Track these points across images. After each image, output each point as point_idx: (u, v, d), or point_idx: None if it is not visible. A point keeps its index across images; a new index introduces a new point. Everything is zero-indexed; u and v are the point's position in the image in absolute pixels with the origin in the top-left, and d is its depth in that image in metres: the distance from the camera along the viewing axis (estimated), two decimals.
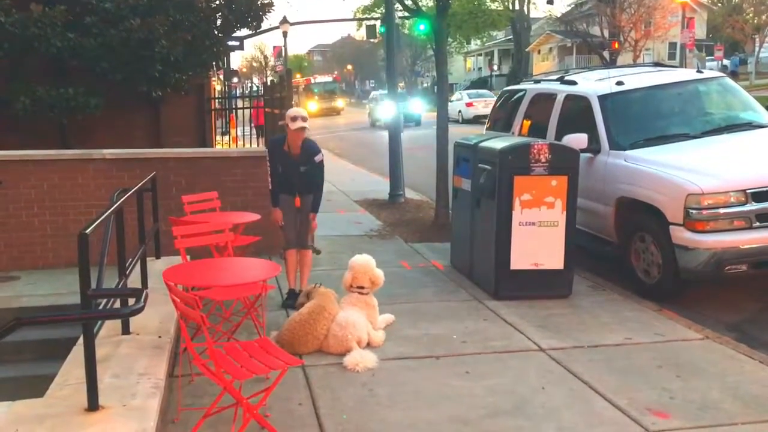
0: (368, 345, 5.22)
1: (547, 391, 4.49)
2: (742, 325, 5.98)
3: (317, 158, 6.11)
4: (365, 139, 28.60)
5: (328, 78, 62.04)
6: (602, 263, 7.46)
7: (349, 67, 61.57)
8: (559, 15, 51.78)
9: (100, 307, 4.20)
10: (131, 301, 3.70)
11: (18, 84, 9.51)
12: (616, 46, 41.81)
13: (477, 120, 29.95)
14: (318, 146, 6.25)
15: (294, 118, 5.98)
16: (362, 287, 5.52)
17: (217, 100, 15.95)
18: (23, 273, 7.42)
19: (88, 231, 3.55)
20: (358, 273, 5.54)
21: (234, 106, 18.62)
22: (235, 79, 38.82)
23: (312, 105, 49.51)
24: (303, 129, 5.96)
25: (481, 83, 59.02)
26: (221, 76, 26.30)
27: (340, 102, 55.75)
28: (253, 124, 18.21)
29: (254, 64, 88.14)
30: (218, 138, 17.57)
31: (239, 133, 18.81)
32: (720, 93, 8.01)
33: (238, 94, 20.88)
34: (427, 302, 6.45)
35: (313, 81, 59.74)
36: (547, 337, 5.45)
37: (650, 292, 6.49)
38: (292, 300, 6.20)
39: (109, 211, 4.24)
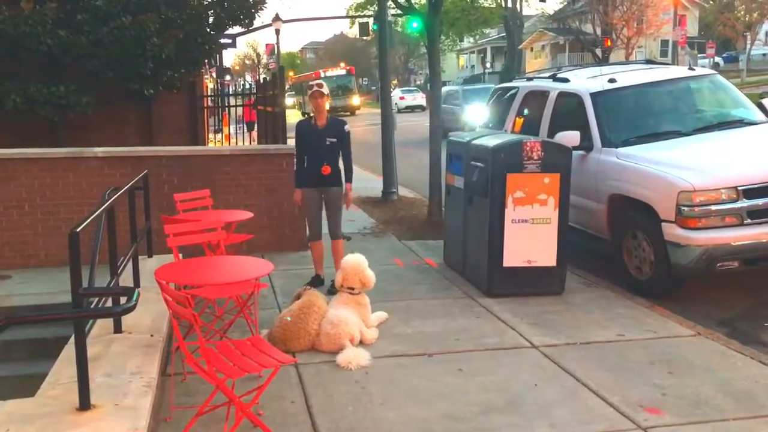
0: (361, 343, 5.21)
1: (540, 388, 4.50)
2: (733, 322, 6.01)
3: (347, 128, 6.61)
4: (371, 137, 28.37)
5: (341, 71, 50.66)
6: (595, 260, 7.47)
7: (342, 64, 60.80)
8: (551, 12, 51.85)
9: (92, 306, 4.18)
10: (123, 299, 3.69)
11: (9, 82, 9.45)
12: (609, 43, 41.97)
13: (410, 109, 43.97)
14: (344, 119, 6.77)
15: (310, 87, 6.53)
16: (352, 288, 5.50)
17: (209, 98, 15.90)
18: (15, 272, 7.39)
19: (78, 230, 3.54)
20: (349, 274, 5.50)
21: (226, 104, 18.56)
22: (228, 77, 38.70)
23: None
24: (318, 93, 6.38)
25: (474, 80, 58.96)
26: (214, 74, 26.22)
27: (356, 99, 48.43)
28: (244, 120, 18.16)
29: (247, 62, 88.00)
30: (210, 136, 17.52)
31: (232, 130, 18.75)
32: (711, 90, 8.03)
33: (230, 92, 20.81)
34: (420, 300, 6.45)
35: (323, 75, 47.92)
36: (540, 334, 5.46)
37: (642, 289, 6.51)
38: (317, 282, 6.73)
39: (101, 209, 4.23)
